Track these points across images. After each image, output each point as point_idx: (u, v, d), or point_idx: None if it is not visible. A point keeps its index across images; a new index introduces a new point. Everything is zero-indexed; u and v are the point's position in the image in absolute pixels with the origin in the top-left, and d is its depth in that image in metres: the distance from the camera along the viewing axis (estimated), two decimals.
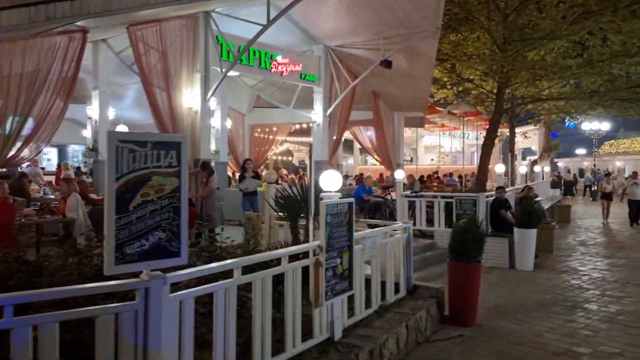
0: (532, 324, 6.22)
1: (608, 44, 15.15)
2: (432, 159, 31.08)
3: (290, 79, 12.48)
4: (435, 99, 18.32)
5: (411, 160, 31.77)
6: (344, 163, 30.24)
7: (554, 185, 24.59)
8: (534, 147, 31.55)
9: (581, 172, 42.26)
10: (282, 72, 12.13)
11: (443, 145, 29.11)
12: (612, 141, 50.20)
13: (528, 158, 32.77)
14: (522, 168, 21.59)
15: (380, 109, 15.50)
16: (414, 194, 11.69)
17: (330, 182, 4.49)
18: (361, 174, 16.58)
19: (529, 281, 8.75)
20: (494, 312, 6.75)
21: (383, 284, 5.68)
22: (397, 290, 6.11)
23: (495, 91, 16.49)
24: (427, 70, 13.17)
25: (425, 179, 19.55)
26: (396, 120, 16.33)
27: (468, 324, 6.04)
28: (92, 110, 12.25)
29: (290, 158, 31.80)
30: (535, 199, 14.28)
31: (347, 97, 13.68)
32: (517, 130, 28.84)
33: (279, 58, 11.99)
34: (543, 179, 22.88)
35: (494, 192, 10.85)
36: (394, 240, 6.18)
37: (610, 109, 19.03)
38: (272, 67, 11.80)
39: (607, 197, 16.91)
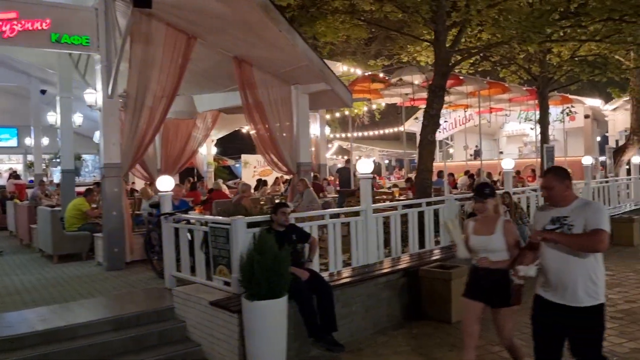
0: None
1: None
2: (500, 152, 23.59)
3: (26, 42, 7.74)
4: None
5: (475, 155, 21.71)
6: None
7: None
8: None
9: None
10: (4, 32, 7.64)
11: (528, 133, 22.25)
12: None
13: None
14: (586, 159, 13.14)
15: (254, 83, 10.20)
16: (160, 214, 6.37)
17: None
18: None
19: None
20: None
21: None
22: None
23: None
24: (256, 11, 7.75)
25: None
26: (294, 98, 10.88)
27: None
28: None
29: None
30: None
31: (171, 68, 8.74)
32: (607, 108, 21.24)
33: None
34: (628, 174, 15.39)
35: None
36: None
37: None
38: None
39: None
